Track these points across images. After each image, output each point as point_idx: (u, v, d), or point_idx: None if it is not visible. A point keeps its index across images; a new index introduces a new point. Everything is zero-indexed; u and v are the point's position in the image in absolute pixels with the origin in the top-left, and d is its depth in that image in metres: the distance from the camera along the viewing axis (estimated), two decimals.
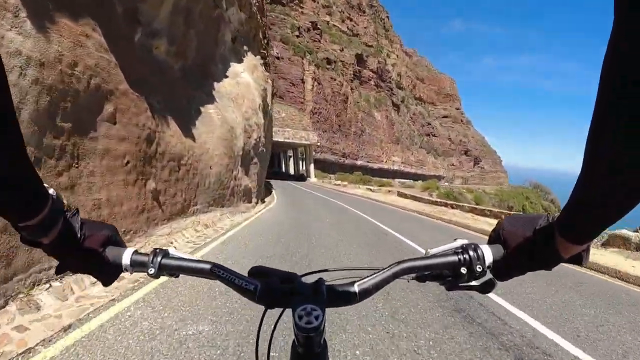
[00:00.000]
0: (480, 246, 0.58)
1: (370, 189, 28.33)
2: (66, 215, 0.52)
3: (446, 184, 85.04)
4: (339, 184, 34.83)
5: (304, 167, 47.99)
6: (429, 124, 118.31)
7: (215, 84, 11.03)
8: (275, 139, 37.66)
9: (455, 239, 0.62)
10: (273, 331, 0.63)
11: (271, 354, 0.69)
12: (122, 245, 0.61)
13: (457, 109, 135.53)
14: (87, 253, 0.56)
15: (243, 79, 12.53)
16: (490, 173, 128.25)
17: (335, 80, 77.42)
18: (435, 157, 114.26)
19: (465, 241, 0.59)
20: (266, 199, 16.47)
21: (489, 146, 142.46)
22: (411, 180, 78.73)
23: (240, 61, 13.74)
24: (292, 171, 54.42)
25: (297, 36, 71.75)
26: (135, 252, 0.59)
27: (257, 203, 12.69)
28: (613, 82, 0.34)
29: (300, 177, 44.32)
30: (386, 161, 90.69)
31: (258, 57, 16.12)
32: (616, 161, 0.36)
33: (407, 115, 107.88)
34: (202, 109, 9.34)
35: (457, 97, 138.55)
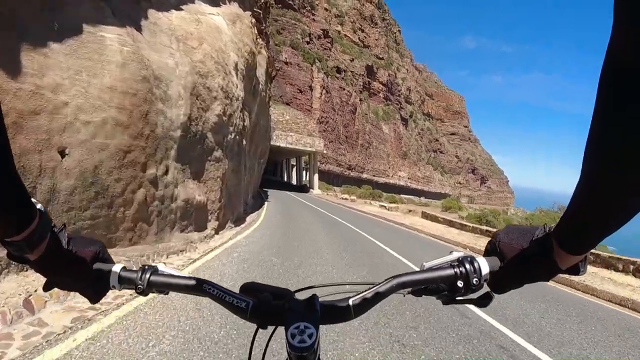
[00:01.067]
0: (477, 259, 0.56)
1: (385, 207, 22.81)
2: (54, 230, 0.49)
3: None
4: (346, 198, 29.33)
5: (307, 178, 42.59)
6: (437, 140, 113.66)
7: (152, 12, 5.74)
8: (276, 143, 32.20)
9: (451, 252, 0.59)
10: (265, 349, 0.61)
11: None
12: (110, 261, 0.58)
13: (465, 126, 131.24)
14: (75, 270, 0.53)
15: (210, 19, 7.27)
16: (497, 193, 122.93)
17: (344, 89, 72.76)
18: (442, 174, 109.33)
19: (461, 254, 0.57)
20: (249, 218, 10.97)
21: (496, 165, 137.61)
22: (419, 198, 73.14)
23: (215, 4, 8.51)
24: (294, 181, 49.30)
25: (308, 42, 67.58)
26: (124, 269, 0.58)
27: (219, 229, 7.17)
28: (609, 84, 0.33)
29: (302, 188, 38.93)
30: (392, 176, 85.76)
31: (248, 13, 10.90)
32: (613, 164, 0.35)
33: (415, 130, 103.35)
34: (86, 27, 4.03)
35: (466, 115, 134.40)
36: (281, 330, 0.52)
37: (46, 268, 0.49)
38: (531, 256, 0.51)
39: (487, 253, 0.58)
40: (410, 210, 19.27)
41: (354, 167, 71.83)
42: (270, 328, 0.56)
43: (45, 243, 0.46)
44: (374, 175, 78.70)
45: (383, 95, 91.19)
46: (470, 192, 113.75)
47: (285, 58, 60.55)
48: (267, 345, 0.61)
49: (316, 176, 36.26)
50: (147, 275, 0.56)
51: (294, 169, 52.16)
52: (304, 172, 44.55)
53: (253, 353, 0.61)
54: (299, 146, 34.64)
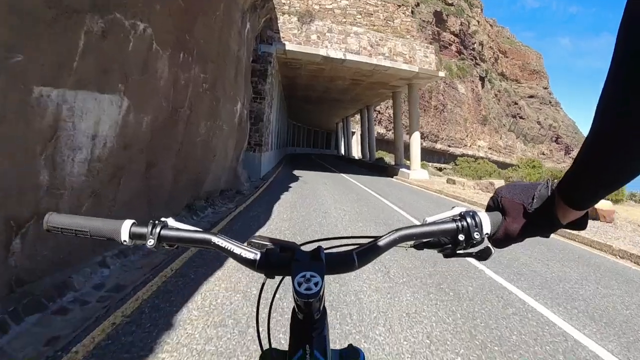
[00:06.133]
0: (478, 213, 0.53)
1: None
2: None
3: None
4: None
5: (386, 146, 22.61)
6: (516, 103, 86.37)
7: None
8: (318, 51, 11.52)
9: (453, 207, 0.56)
10: (273, 298, 0.60)
11: (271, 320, 0.58)
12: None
13: (545, 88, 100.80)
14: None
15: None
16: None
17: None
18: (524, 143, 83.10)
19: (463, 209, 0.54)
20: None
21: (580, 133, 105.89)
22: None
23: None
24: (356, 154, 29.56)
25: None
26: (134, 224, 0.54)
27: None
28: (627, 33, 0.30)
29: (379, 167, 19.18)
30: (471, 145, 62.57)
31: None
32: (626, 117, 0.32)
33: (491, 92, 77.82)
34: None
35: (545, 75, 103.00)
36: (288, 284, 0.50)
37: None
38: (533, 211, 0.47)
39: (489, 208, 0.54)
40: None
41: (426, 134, 50.18)
42: (278, 279, 0.54)
43: None
44: (449, 146, 56.60)
45: (456, 48, 66.74)
46: (553, 164, 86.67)
47: None
48: (274, 295, 0.59)
49: (416, 137, 15.30)
50: (158, 230, 0.53)
51: (354, 136, 32.31)
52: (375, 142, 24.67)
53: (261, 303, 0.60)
54: (376, 59, 12.71)
